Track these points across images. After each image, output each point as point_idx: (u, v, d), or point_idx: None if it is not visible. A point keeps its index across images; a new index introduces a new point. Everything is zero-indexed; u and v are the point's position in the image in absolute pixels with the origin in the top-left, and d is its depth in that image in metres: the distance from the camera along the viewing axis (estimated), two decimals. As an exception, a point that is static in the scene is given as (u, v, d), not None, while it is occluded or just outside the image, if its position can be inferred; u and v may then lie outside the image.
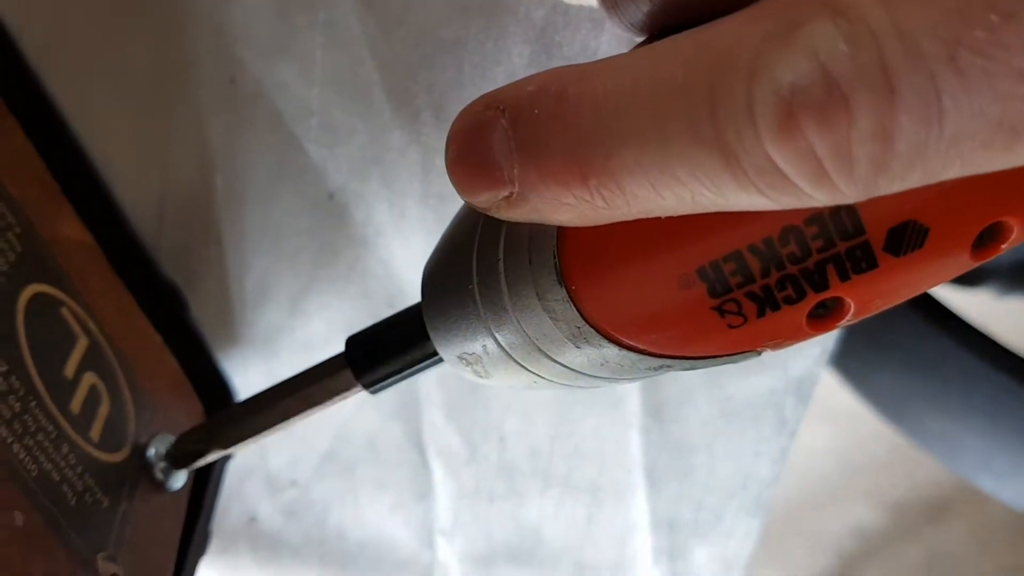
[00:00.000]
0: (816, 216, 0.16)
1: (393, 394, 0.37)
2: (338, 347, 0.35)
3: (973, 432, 0.76)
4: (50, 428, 0.21)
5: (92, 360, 0.24)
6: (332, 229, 0.34)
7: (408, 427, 0.38)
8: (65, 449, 0.22)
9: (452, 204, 0.32)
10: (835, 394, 0.73)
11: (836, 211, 0.16)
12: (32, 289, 0.22)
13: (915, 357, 0.70)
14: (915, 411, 0.78)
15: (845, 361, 0.71)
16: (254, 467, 0.38)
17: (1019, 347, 0.66)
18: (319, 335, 0.36)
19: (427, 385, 0.37)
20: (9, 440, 0.19)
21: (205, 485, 0.30)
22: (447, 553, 0.41)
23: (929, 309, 0.66)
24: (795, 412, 0.41)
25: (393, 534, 0.40)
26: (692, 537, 0.44)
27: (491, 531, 0.41)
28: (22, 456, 0.19)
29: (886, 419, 0.81)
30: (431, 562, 0.41)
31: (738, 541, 0.45)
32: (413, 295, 0.36)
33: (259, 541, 0.39)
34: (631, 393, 0.39)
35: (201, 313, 0.34)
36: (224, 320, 0.34)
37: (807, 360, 0.39)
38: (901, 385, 0.75)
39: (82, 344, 0.23)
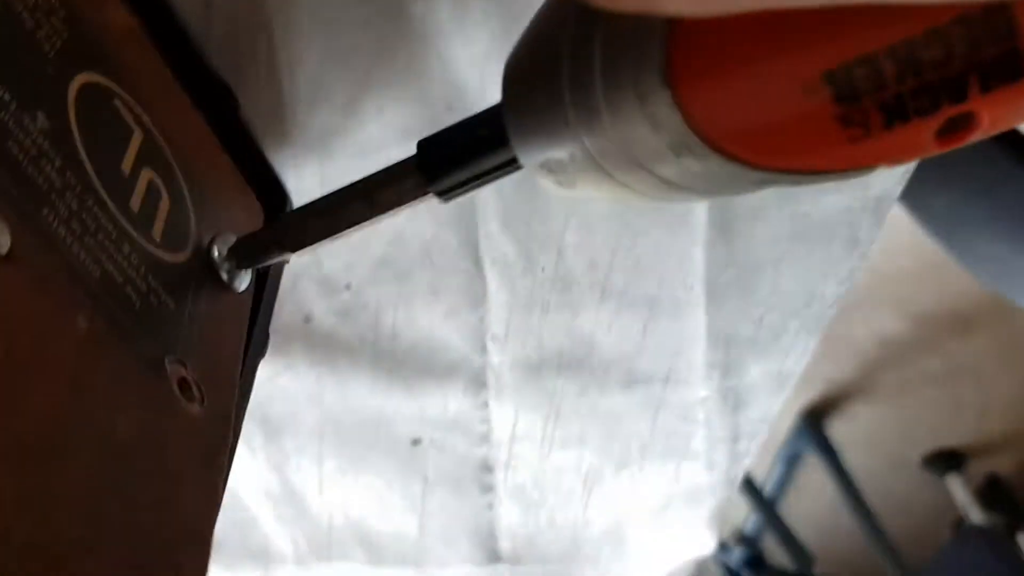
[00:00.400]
0: (964, 17, 0.15)
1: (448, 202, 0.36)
2: (394, 152, 0.33)
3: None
4: (110, 227, 0.20)
5: (149, 155, 0.23)
6: (389, 24, 0.31)
7: (464, 236, 0.37)
8: (127, 249, 0.20)
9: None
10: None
11: (987, 11, 0.14)
12: (82, 78, 0.20)
13: (975, 178, 0.69)
14: (968, 232, 0.77)
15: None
16: (308, 270, 0.37)
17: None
18: (374, 139, 0.34)
19: (484, 193, 0.36)
20: (68, 240, 0.18)
21: (263, 287, 0.30)
22: (499, 359, 0.41)
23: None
24: (869, 233, 0.39)
25: (445, 338, 0.40)
26: (749, 354, 0.43)
27: (543, 340, 0.41)
28: (83, 257, 0.18)
29: (936, 238, 0.80)
30: (483, 366, 0.41)
31: (794, 359, 0.44)
32: (473, 99, 0.34)
33: (313, 340, 0.39)
34: (699, 207, 0.37)
35: (252, 113, 0.32)
36: (276, 120, 0.32)
37: (890, 179, 0.37)
38: (957, 205, 0.74)
39: (138, 138, 0.22)
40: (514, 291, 0.39)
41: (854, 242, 0.39)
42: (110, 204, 0.20)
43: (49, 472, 0.16)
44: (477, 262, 0.38)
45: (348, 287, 0.37)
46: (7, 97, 0.17)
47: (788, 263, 0.40)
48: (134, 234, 0.21)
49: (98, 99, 0.21)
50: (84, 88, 0.20)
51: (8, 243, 0.16)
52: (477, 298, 0.39)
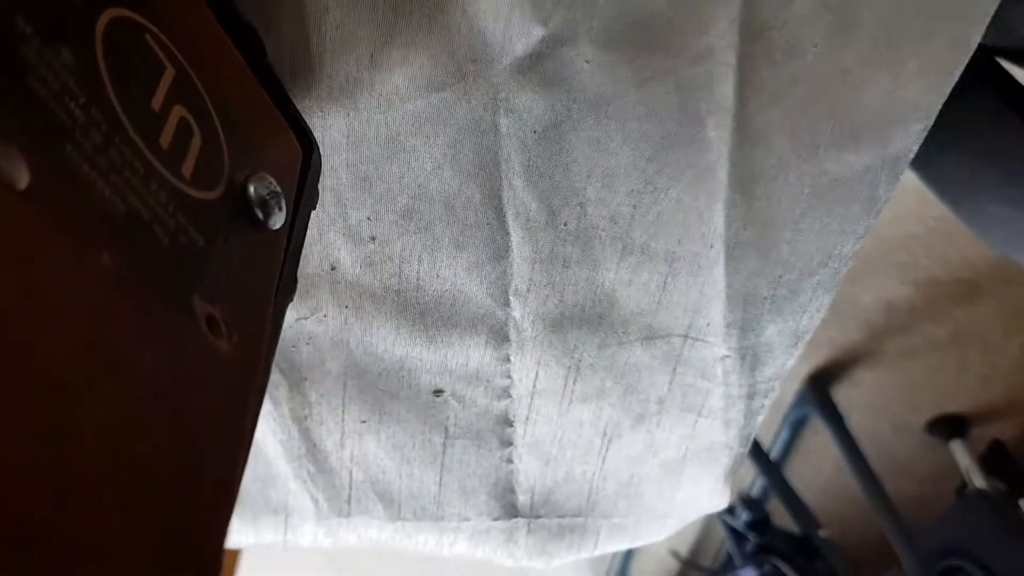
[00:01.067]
0: None
1: (472, 156, 0.36)
2: (419, 104, 0.33)
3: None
4: (137, 164, 0.20)
5: (181, 92, 0.22)
6: (415, -25, 0.31)
7: (487, 190, 0.37)
8: (155, 186, 0.20)
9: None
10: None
11: None
12: (112, 13, 0.20)
13: (984, 141, 0.68)
14: (977, 196, 0.76)
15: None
16: (334, 221, 0.37)
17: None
18: (400, 91, 0.34)
19: (507, 148, 0.36)
20: (92, 177, 0.18)
21: (291, 230, 0.29)
22: (520, 313, 0.41)
23: (1006, 91, 0.63)
24: (886, 191, 0.39)
25: (468, 291, 0.40)
26: (767, 313, 0.43)
27: (564, 294, 0.41)
28: (107, 193, 0.18)
29: (944, 201, 0.80)
30: (505, 319, 0.41)
31: (810, 316, 0.44)
32: (497, 52, 0.34)
33: (339, 287, 0.39)
34: (720, 165, 0.37)
35: (278, 60, 0.32)
36: (303, 68, 0.33)
37: (907, 137, 0.37)
38: (966, 168, 0.74)
39: (169, 75, 0.22)
40: (537, 245, 0.39)
41: (873, 200, 0.39)
42: (138, 141, 0.20)
43: (68, 408, 0.15)
44: (500, 215, 0.38)
45: (373, 238, 0.38)
46: (29, 31, 0.17)
47: (807, 222, 0.40)
48: (163, 171, 0.21)
49: (128, 35, 0.20)
50: (113, 23, 0.20)
51: (27, 179, 0.16)
52: (500, 252, 0.39)
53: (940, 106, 0.37)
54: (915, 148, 0.38)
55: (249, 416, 0.22)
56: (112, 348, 0.17)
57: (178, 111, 0.22)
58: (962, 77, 0.37)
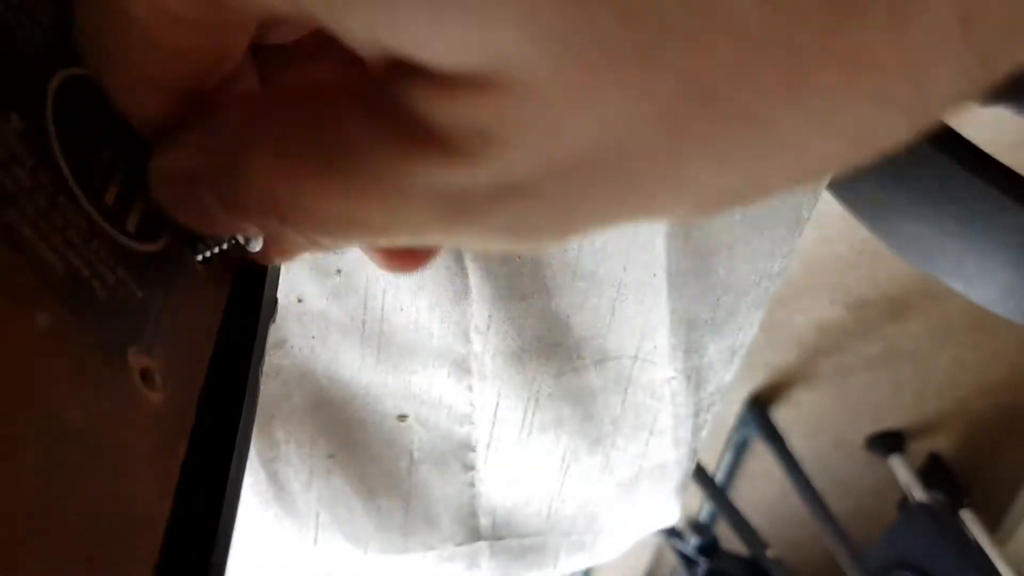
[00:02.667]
0: None
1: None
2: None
3: (947, 236, 0.78)
4: (81, 223, 0.20)
5: (129, 147, 0.22)
6: None
7: None
8: (96, 243, 0.20)
9: None
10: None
11: None
12: (64, 73, 0.20)
13: (894, 163, 0.72)
14: (892, 216, 0.80)
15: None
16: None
17: (996, 154, 0.67)
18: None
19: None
20: (33, 239, 0.18)
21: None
22: (481, 348, 0.43)
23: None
24: (807, 211, 0.43)
25: (430, 326, 0.42)
26: (707, 334, 0.46)
27: (523, 328, 0.43)
28: (47, 255, 0.18)
29: (863, 223, 0.84)
30: (466, 353, 0.43)
31: (745, 332, 0.47)
32: None
33: (305, 318, 0.41)
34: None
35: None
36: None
37: None
38: (880, 190, 0.77)
39: (119, 130, 0.22)
40: (495, 283, 0.41)
41: (797, 221, 0.43)
42: (83, 199, 0.20)
43: None
44: (459, 258, 0.40)
45: (339, 272, 0.40)
46: None
47: (740, 247, 0.43)
48: (106, 227, 0.21)
49: (79, 92, 0.20)
50: (65, 82, 0.20)
51: None
52: (459, 294, 0.41)
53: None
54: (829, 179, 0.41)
55: (179, 461, 0.23)
56: (41, 404, 0.17)
57: (125, 167, 0.22)
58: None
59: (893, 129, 0.13)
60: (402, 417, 0.46)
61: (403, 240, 0.17)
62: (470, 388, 0.45)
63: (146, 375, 0.21)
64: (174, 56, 0.17)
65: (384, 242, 0.17)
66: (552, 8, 0.12)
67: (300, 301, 0.40)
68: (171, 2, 0.16)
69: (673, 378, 0.48)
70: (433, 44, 0.13)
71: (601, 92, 0.12)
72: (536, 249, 0.15)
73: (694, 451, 0.54)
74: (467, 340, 0.43)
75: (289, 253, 0.22)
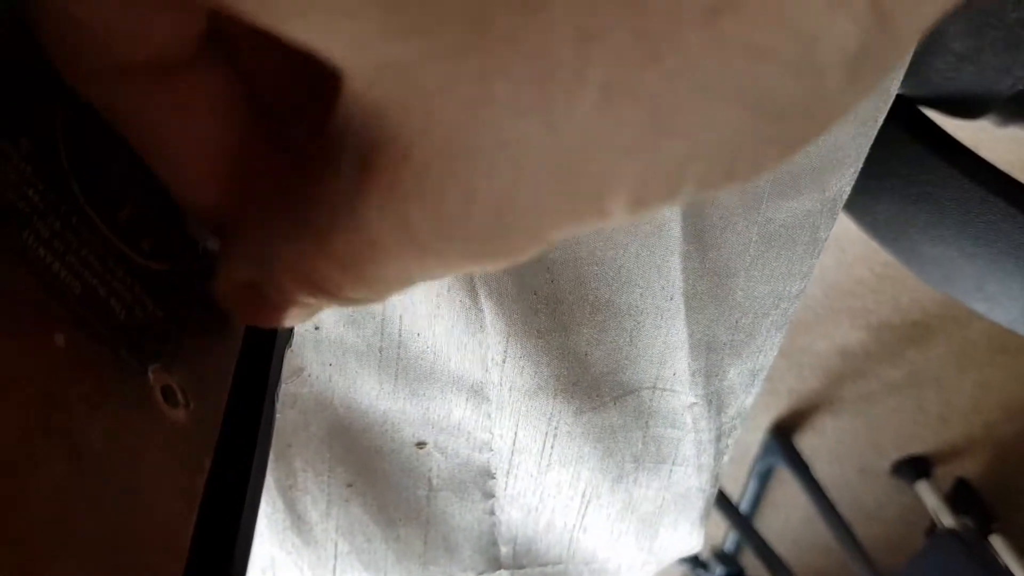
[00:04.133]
0: None
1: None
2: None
3: (968, 257, 0.78)
4: (95, 242, 0.20)
5: (141, 167, 0.22)
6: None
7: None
8: (112, 263, 0.21)
9: None
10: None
11: None
12: (73, 99, 0.20)
13: (914, 184, 0.71)
14: (911, 237, 0.79)
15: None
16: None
17: (1015, 173, 0.67)
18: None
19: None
20: (48, 260, 0.18)
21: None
22: (499, 378, 0.43)
23: (930, 137, 0.67)
24: (825, 231, 0.42)
25: (448, 353, 0.42)
26: (727, 357, 0.46)
27: (539, 365, 0.43)
28: (63, 275, 0.19)
29: (883, 245, 0.83)
30: (484, 381, 0.43)
31: (765, 354, 0.47)
32: None
33: (322, 345, 0.41)
34: (673, 220, 0.40)
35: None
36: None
37: (842, 179, 0.41)
38: (899, 212, 0.77)
39: (131, 152, 0.22)
40: (510, 319, 0.41)
41: (815, 241, 0.42)
42: (96, 220, 0.20)
43: (16, 482, 0.16)
44: (473, 293, 0.40)
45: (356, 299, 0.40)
46: None
47: (758, 267, 0.43)
48: (121, 247, 0.21)
49: (89, 117, 0.21)
50: (74, 106, 0.20)
51: None
52: (474, 327, 0.41)
53: (868, 148, 0.40)
54: (848, 189, 0.41)
55: (204, 477, 0.23)
56: (61, 424, 0.18)
57: (138, 187, 0.23)
58: (890, 127, 0.40)
59: (782, 89, 0.13)
60: (421, 444, 0.45)
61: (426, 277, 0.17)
62: (489, 416, 0.45)
63: (168, 392, 0.22)
64: (100, 33, 0.17)
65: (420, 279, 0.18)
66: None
67: (316, 328, 0.40)
68: None
69: (694, 404, 0.48)
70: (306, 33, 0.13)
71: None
72: (507, 260, 0.15)
73: (716, 477, 0.53)
74: (485, 369, 0.43)
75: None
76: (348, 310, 0.40)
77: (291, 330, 0.30)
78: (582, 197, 0.14)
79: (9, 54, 0.19)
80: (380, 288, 0.18)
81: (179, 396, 0.22)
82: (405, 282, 0.17)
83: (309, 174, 0.17)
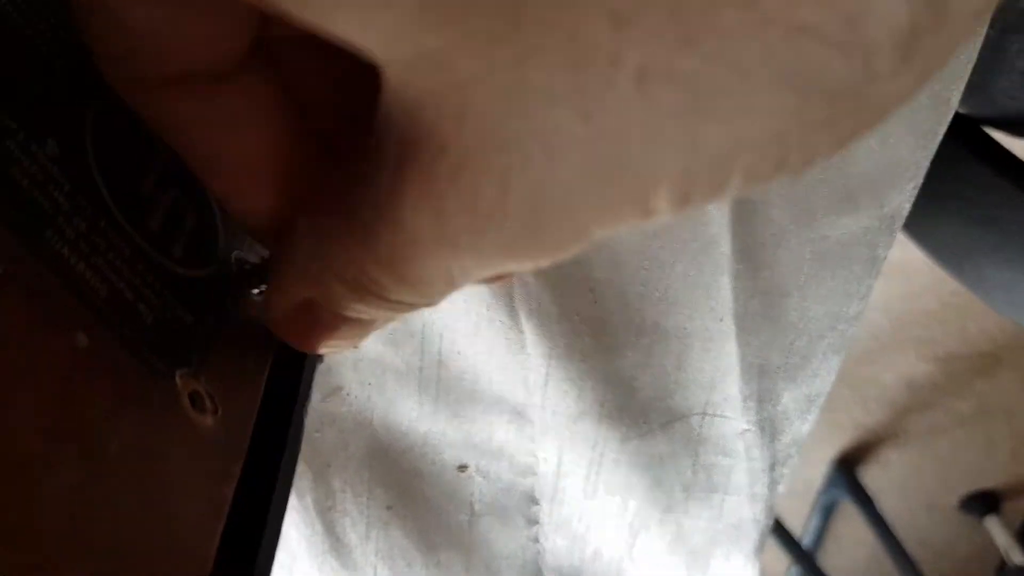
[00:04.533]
0: None
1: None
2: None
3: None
4: (123, 247, 0.20)
5: (174, 175, 0.23)
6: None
7: (499, 287, 0.38)
8: (141, 267, 0.21)
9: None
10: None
11: None
12: (103, 103, 0.21)
13: (978, 207, 0.70)
14: (977, 261, 0.77)
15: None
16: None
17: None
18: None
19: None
20: (73, 260, 0.18)
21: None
22: (541, 401, 0.42)
23: (994, 157, 0.65)
24: (884, 249, 0.41)
25: (489, 373, 0.41)
26: (781, 381, 0.44)
27: (583, 389, 0.42)
28: (88, 276, 0.19)
29: (947, 270, 0.81)
30: (526, 402, 0.42)
31: (822, 379, 0.45)
32: None
33: (361, 364, 0.40)
34: (722, 237, 0.39)
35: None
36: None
37: (901, 195, 0.39)
38: (963, 235, 0.75)
39: (162, 159, 0.22)
40: (552, 341, 0.40)
41: (873, 260, 0.41)
42: (125, 225, 0.20)
43: (30, 483, 0.16)
44: (513, 313, 0.39)
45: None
46: (13, 125, 0.18)
47: (813, 287, 0.41)
48: (151, 252, 0.21)
49: (120, 122, 0.21)
50: (104, 111, 0.21)
51: (2, 268, 0.16)
52: (515, 347, 0.40)
53: (928, 163, 0.38)
54: (908, 206, 0.39)
55: (232, 484, 0.23)
56: (81, 424, 0.17)
57: (170, 193, 0.23)
58: (953, 147, 0.38)
59: (830, 69, 0.12)
60: (462, 468, 0.45)
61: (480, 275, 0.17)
62: (532, 439, 0.44)
63: (196, 398, 0.21)
64: (150, 42, 0.17)
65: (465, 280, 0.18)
66: None
67: (355, 346, 0.40)
68: None
69: (747, 431, 0.46)
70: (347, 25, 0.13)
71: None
72: (548, 257, 0.15)
73: (771, 508, 0.51)
74: (527, 391, 0.42)
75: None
76: (388, 328, 0.39)
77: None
78: (622, 190, 0.14)
79: (41, 54, 0.20)
80: (424, 289, 0.17)
81: (207, 402, 0.22)
82: (447, 282, 0.17)
83: (355, 176, 0.17)
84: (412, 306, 0.19)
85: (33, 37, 0.19)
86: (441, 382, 0.41)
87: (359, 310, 0.19)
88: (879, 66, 0.12)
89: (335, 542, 0.45)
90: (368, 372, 0.40)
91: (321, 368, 0.38)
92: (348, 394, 0.41)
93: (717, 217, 0.38)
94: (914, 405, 1.71)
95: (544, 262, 0.16)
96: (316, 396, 0.41)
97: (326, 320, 0.20)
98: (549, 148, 0.13)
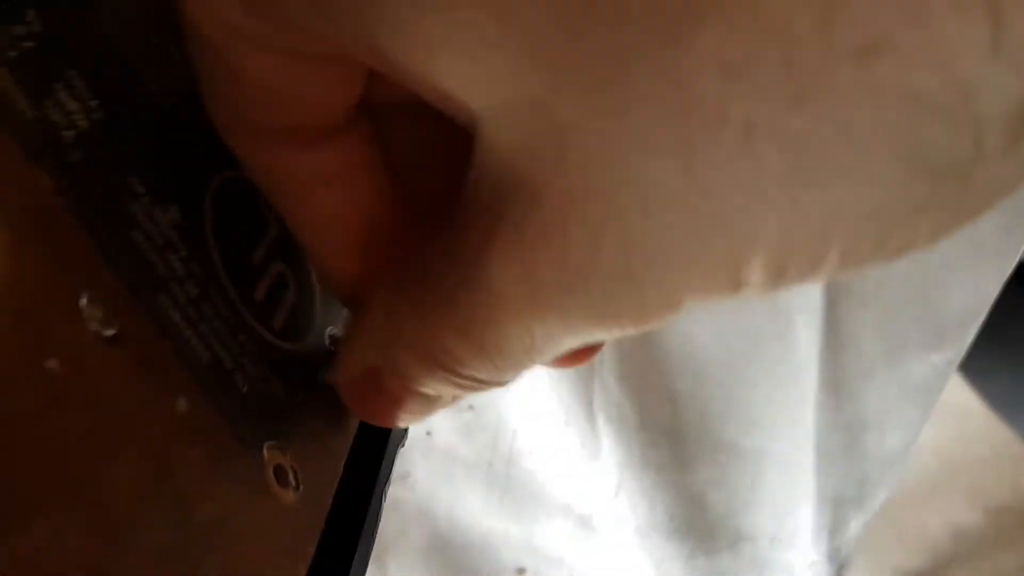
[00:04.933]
0: None
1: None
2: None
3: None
4: (228, 315, 0.20)
5: (282, 248, 0.23)
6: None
7: (579, 389, 0.38)
8: (243, 337, 0.21)
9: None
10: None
11: None
12: (226, 175, 0.21)
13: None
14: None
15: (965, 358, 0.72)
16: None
17: None
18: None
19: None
20: (181, 326, 0.19)
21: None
22: (610, 511, 0.41)
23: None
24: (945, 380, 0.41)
25: (561, 473, 0.41)
26: (851, 511, 0.43)
27: (654, 501, 0.41)
28: (194, 342, 0.19)
29: (1002, 417, 0.80)
30: (593, 513, 0.42)
31: (879, 501, 0.45)
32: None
33: (432, 453, 0.40)
34: (811, 365, 0.38)
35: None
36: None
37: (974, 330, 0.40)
38: (1019, 380, 0.74)
39: (273, 231, 0.23)
40: (628, 449, 0.39)
41: (939, 391, 0.41)
42: (232, 293, 0.21)
43: (119, 544, 0.16)
44: (591, 418, 0.39)
45: (471, 407, 0.39)
46: (141, 190, 0.18)
47: (892, 421, 0.41)
48: (252, 323, 0.21)
49: (238, 193, 0.21)
50: (225, 182, 0.21)
51: (116, 329, 0.17)
52: (591, 453, 0.40)
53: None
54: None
55: (307, 562, 0.22)
56: (173, 491, 0.18)
57: (276, 266, 0.23)
58: (1016, 292, 0.38)
59: (939, 141, 0.12)
60: (520, 571, 0.44)
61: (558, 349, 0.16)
62: (595, 550, 0.43)
63: (280, 472, 0.21)
64: (261, 93, 0.17)
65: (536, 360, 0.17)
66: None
67: (428, 434, 0.40)
68: (229, 12, 0.16)
69: (816, 562, 0.45)
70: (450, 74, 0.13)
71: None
72: (636, 323, 0.14)
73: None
74: (596, 498, 0.41)
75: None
76: (463, 418, 0.39)
77: (406, 429, 0.30)
78: (717, 253, 0.13)
79: (176, 120, 0.20)
80: (500, 362, 0.17)
81: (291, 477, 0.22)
82: (527, 350, 0.16)
83: (441, 242, 0.17)
84: (483, 384, 0.18)
85: (168, 103, 0.20)
86: (510, 480, 0.41)
87: (426, 384, 0.19)
88: (989, 144, 0.12)
89: None
90: (438, 461, 0.40)
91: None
92: (416, 481, 0.41)
93: (806, 344, 0.38)
94: (958, 555, 1.65)
95: (632, 328, 0.15)
96: (380, 482, 0.41)
97: (390, 391, 0.20)
98: (646, 201, 0.13)
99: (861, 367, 0.39)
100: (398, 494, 0.41)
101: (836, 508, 0.43)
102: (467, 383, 0.18)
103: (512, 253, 0.15)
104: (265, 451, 0.21)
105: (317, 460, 0.24)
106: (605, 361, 0.37)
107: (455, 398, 0.20)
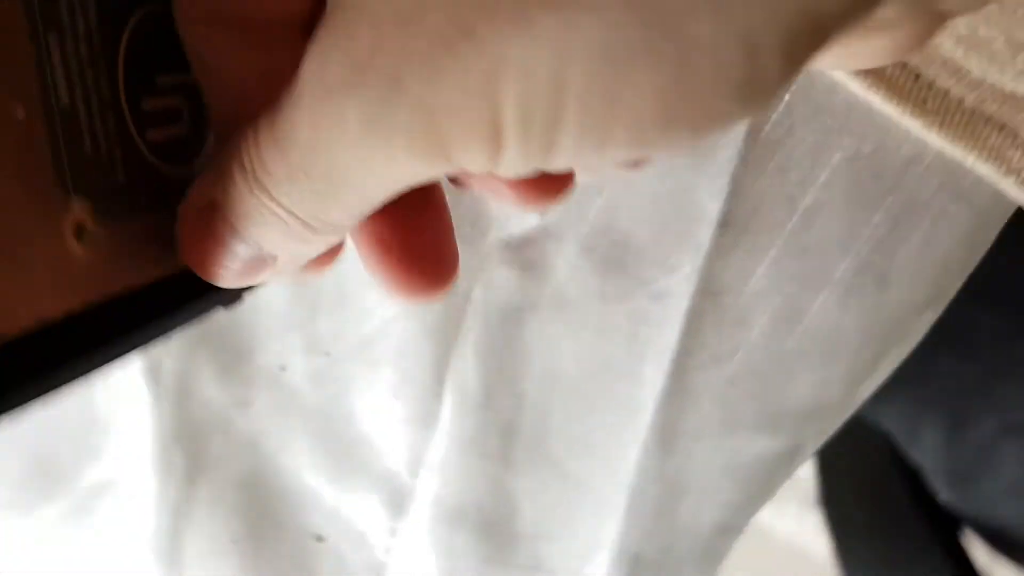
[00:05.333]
0: None
1: (439, 313, 0.39)
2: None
3: None
4: (106, 93, 0.21)
5: (189, 94, 0.24)
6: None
7: (438, 351, 0.39)
8: (111, 118, 0.21)
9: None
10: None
11: None
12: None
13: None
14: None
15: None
16: (304, 322, 0.39)
17: None
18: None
19: (471, 317, 0.39)
20: (56, 65, 0.19)
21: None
22: (424, 488, 0.42)
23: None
24: (781, 479, 0.42)
25: (391, 443, 0.41)
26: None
27: (470, 485, 0.42)
28: (60, 83, 0.20)
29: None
30: (410, 490, 0.42)
31: None
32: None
33: (279, 391, 0.40)
34: (648, 408, 0.40)
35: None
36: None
37: (817, 436, 0.42)
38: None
39: (188, 78, 0.23)
40: (463, 425, 0.40)
41: (771, 485, 0.42)
42: (120, 83, 0.22)
43: None
44: (440, 382, 0.40)
45: (328, 354, 0.40)
46: None
47: (710, 495, 0.42)
48: (128, 118, 0.22)
49: (164, 24, 0.23)
50: (166, 10, 0.22)
51: None
52: (429, 419, 0.40)
53: (851, 412, 0.41)
54: (815, 448, 0.41)
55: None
56: None
57: (177, 101, 0.24)
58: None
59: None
60: (319, 539, 0.43)
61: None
62: (394, 532, 0.43)
63: (81, 229, 0.21)
64: None
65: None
66: None
67: (282, 369, 0.40)
68: None
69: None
70: None
71: None
72: (416, 156, 0.16)
73: None
74: (415, 474, 0.41)
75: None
76: (316, 363, 0.40)
77: (236, 293, 0.28)
78: (472, 73, 0.15)
79: None
80: (310, 184, 0.18)
81: (87, 239, 0.22)
82: (334, 173, 0.18)
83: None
84: (306, 227, 0.20)
85: None
86: (342, 440, 0.41)
87: (250, 222, 0.20)
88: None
89: (174, 560, 0.43)
90: (282, 402, 0.41)
91: (239, 377, 0.38)
92: (255, 413, 0.41)
93: (650, 385, 0.39)
94: None
95: (421, 167, 0.17)
96: (222, 399, 0.41)
97: (219, 232, 0.21)
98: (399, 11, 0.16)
99: (695, 426, 0.40)
100: (234, 420, 0.41)
101: (633, 567, 0.43)
102: (290, 221, 0.19)
103: (314, 52, 0.17)
104: (74, 203, 0.21)
105: (121, 251, 0.23)
106: (471, 332, 0.39)
107: (283, 265, 0.21)
